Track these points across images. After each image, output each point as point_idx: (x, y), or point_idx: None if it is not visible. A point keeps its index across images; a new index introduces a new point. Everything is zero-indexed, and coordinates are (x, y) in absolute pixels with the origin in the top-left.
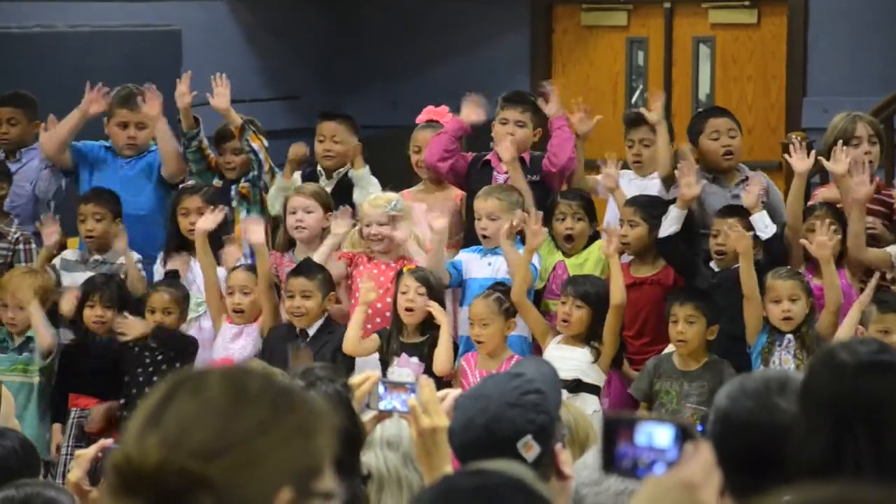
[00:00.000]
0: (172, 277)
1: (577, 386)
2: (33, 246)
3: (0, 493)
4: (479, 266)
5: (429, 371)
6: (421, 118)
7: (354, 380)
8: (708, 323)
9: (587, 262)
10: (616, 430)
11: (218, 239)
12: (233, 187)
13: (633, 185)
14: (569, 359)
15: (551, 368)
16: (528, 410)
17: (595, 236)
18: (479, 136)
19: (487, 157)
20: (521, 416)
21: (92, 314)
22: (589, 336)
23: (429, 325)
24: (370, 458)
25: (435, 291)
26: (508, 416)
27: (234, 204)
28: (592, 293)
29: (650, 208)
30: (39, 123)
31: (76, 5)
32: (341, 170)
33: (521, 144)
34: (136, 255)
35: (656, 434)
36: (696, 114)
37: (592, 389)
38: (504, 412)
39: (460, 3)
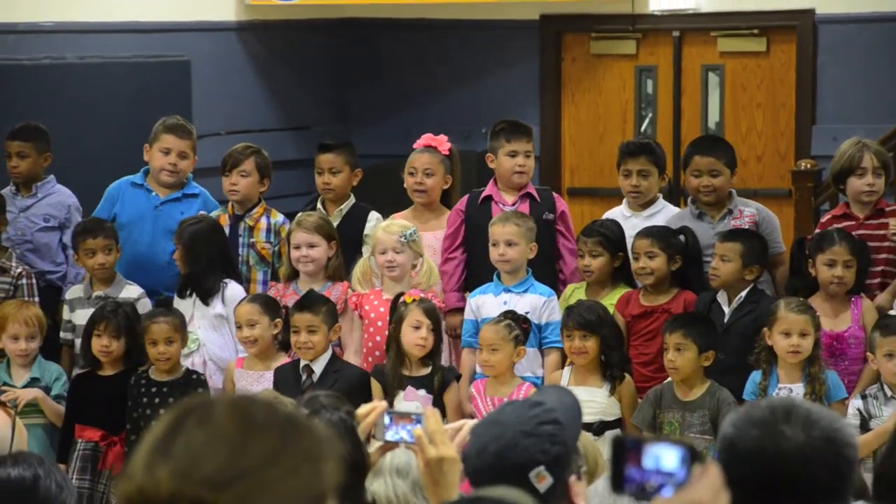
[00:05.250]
0: (165, 306)
1: (601, 427)
2: (34, 281)
3: None
4: (494, 305)
5: (437, 405)
6: (419, 144)
7: (360, 410)
8: (700, 349)
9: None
10: (624, 451)
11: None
12: (240, 225)
13: (630, 223)
14: (589, 401)
15: (573, 399)
16: (543, 441)
17: (621, 268)
18: (473, 169)
19: (486, 192)
20: (535, 445)
21: (98, 343)
22: (604, 364)
23: (431, 356)
24: (379, 486)
25: (439, 321)
26: (523, 445)
27: (251, 263)
28: (593, 320)
29: (665, 237)
30: (50, 156)
31: (85, 37)
32: (342, 207)
33: (531, 174)
34: (138, 290)
35: (664, 456)
36: (689, 145)
37: (614, 424)
38: (519, 441)
39: (470, 32)
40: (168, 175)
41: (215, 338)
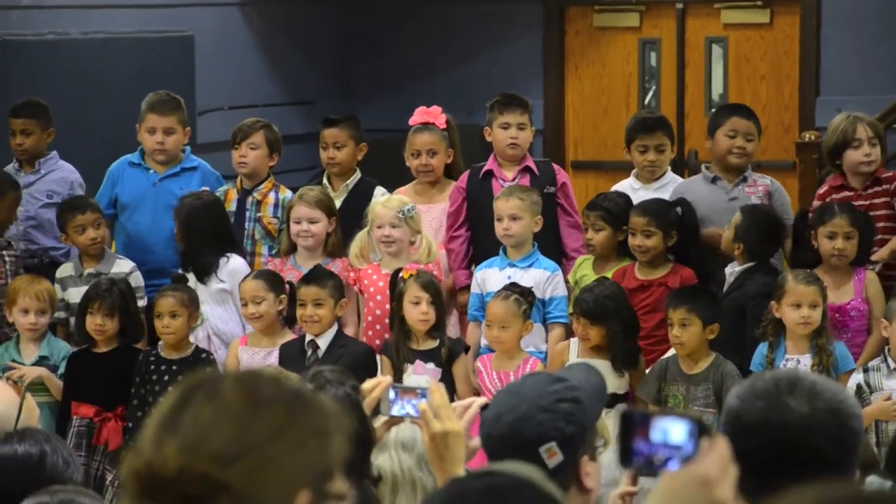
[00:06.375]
0: (179, 282)
1: (612, 400)
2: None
3: (34, 499)
4: (499, 280)
5: (446, 377)
6: (414, 120)
7: (365, 385)
8: (705, 323)
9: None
10: (632, 425)
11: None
12: (248, 199)
13: (638, 195)
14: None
15: (600, 379)
16: (558, 418)
17: (627, 242)
18: (477, 144)
19: (487, 166)
20: (550, 421)
21: (92, 322)
22: (613, 352)
23: (437, 328)
24: (385, 460)
25: (439, 292)
26: (537, 420)
27: (257, 237)
28: (597, 311)
29: (662, 215)
30: (53, 131)
31: (89, 12)
32: (348, 182)
33: (525, 146)
34: (129, 263)
35: (671, 430)
36: (721, 106)
37: (624, 397)
38: (534, 415)
39: (473, 6)
40: (158, 153)
41: (219, 312)
